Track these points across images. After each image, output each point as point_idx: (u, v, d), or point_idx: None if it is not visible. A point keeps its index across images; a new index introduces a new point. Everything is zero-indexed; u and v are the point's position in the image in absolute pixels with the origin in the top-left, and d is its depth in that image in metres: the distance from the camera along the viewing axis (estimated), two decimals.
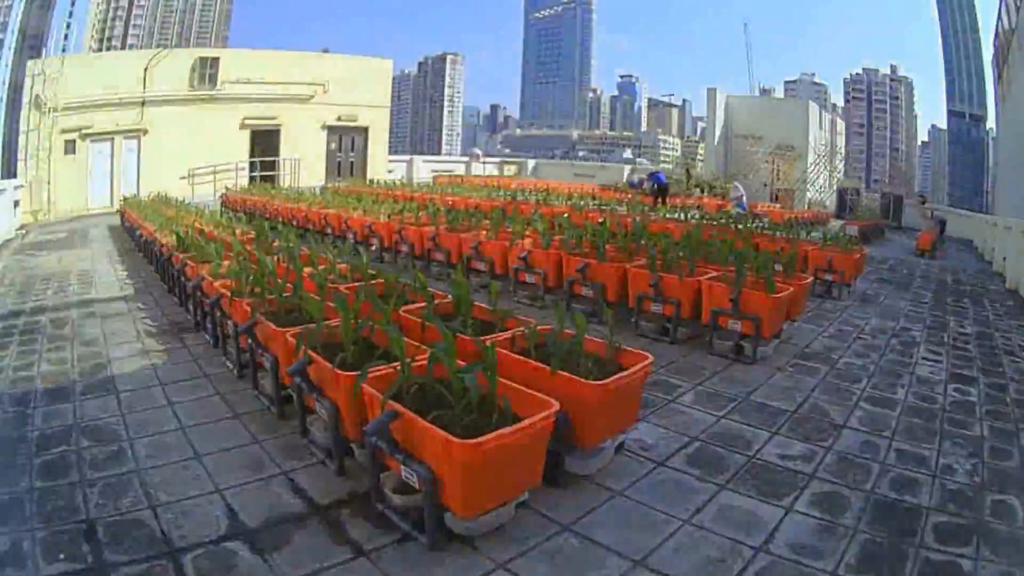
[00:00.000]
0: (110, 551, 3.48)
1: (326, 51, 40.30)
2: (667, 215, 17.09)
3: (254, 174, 30.44)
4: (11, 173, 26.15)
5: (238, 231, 10.08)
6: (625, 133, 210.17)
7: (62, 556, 3.44)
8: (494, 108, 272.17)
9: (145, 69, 28.53)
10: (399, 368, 3.96)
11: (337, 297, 4.81)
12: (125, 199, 20.14)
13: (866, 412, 5.83)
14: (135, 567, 3.36)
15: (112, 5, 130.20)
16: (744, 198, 25.54)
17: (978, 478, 4.64)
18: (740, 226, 13.25)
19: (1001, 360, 7.84)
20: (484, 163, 45.04)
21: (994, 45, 39.11)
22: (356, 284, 6.40)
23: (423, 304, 5.63)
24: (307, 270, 6.52)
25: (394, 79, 44.96)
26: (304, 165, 31.83)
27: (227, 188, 25.30)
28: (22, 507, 3.89)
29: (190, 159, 28.35)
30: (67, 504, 3.92)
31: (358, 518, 3.85)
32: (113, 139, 28.10)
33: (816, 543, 3.73)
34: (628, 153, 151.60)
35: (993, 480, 4.62)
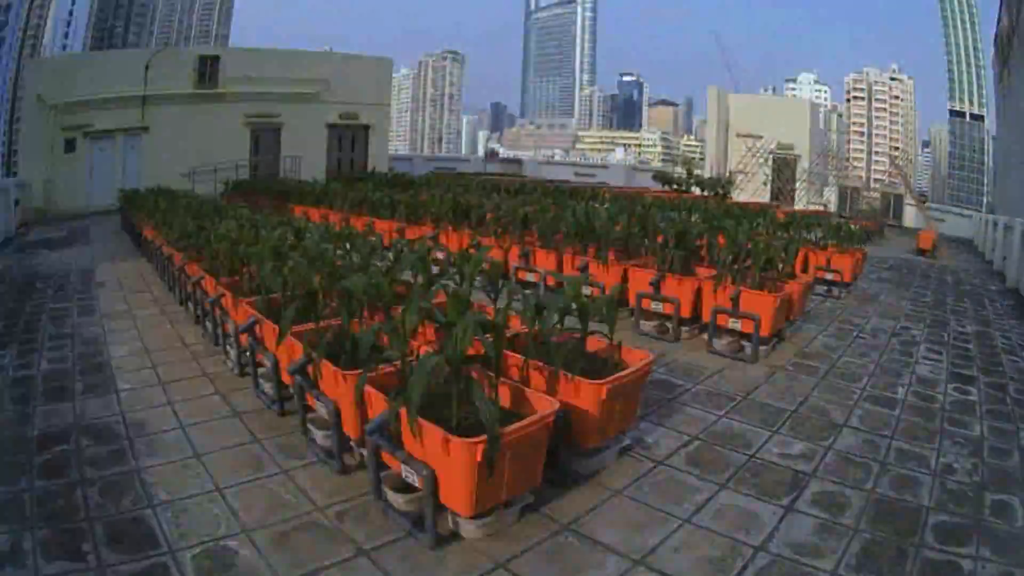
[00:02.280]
0: (110, 550, 3.49)
1: (327, 50, 40.34)
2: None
3: (255, 173, 30.38)
4: (12, 171, 26.19)
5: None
6: (625, 132, 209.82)
7: (62, 554, 3.45)
8: (495, 107, 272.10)
9: (146, 68, 28.51)
10: (400, 367, 3.96)
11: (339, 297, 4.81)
12: (123, 193, 19.98)
13: (866, 411, 5.83)
14: (135, 565, 3.36)
15: (113, 3, 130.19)
16: None
17: (978, 477, 4.64)
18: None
19: (1001, 359, 7.83)
20: (486, 162, 45.01)
21: (995, 45, 39.07)
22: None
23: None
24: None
25: (395, 77, 45.05)
26: (305, 163, 31.77)
27: (226, 183, 25.04)
28: (22, 505, 3.89)
29: (191, 157, 28.27)
30: (67, 503, 3.92)
31: (358, 517, 3.85)
32: (114, 137, 28.08)
33: (816, 542, 3.73)
34: (625, 152, 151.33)
35: (993, 479, 4.62)
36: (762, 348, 7.22)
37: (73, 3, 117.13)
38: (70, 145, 27.06)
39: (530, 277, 9.42)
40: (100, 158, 27.69)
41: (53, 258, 13.63)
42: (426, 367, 3.54)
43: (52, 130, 26.39)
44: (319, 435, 4.60)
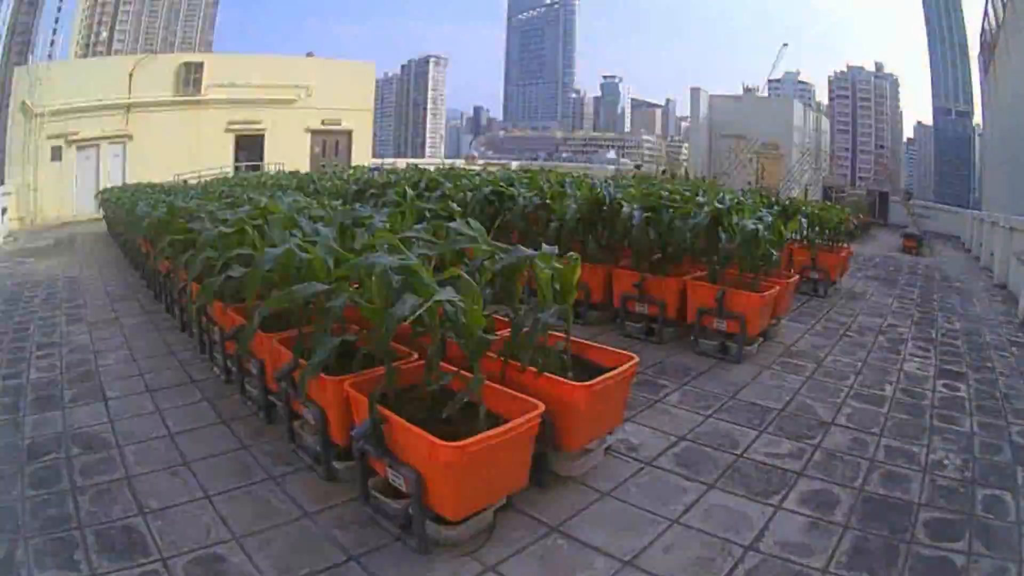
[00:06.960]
0: (102, 558, 3.48)
1: (310, 55, 40.35)
2: None
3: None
4: None
5: None
6: (608, 134, 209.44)
7: (54, 563, 3.44)
8: (477, 110, 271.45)
9: (130, 74, 28.46)
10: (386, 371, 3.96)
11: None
12: (102, 194, 19.83)
13: (854, 409, 5.84)
14: (128, 573, 3.35)
15: (98, 11, 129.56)
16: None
17: (969, 473, 4.65)
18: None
19: (990, 355, 7.86)
20: (468, 166, 45.15)
21: (981, 41, 39.18)
22: None
23: None
24: None
25: (377, 82, 45.17)
26: (288, 169, 31.74)
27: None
28: (15, 515, 3.88)
29: (175, 164, 28.22)
30: (59, 511, 3.91)
31: (347, 522, 3.84)
32: (99, 145, 28.08)
33: (806, 541, 3.73)
34: (612, 154, 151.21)
35: (984, 475, 4.63)
36: (748, 348, 7.22)
37: (59, 10, 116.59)
38: (56, 153, 27.00)
39: None
40: (86, 166, 27.66)
41: (41, 266, 13.60)
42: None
43: (37, 138, 26.32)
44: (307, 441, 4.59)
